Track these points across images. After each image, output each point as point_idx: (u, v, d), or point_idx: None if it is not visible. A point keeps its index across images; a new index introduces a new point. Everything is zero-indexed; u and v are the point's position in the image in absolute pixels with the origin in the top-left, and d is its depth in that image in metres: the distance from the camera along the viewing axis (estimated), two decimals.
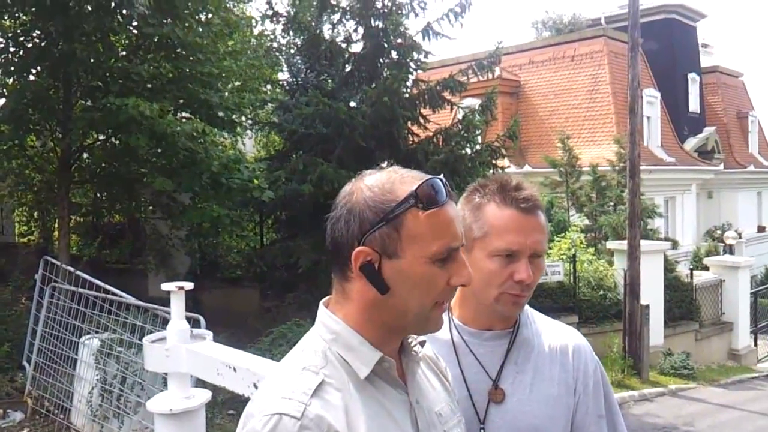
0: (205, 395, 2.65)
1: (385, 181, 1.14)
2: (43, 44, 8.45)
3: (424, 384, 1.27)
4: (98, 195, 11.63)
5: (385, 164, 1.20)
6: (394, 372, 1.18)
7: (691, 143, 24.68)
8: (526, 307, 1.65)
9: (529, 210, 1.52)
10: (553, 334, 1.64)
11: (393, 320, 1.15)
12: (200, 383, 3.00)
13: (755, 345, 15.98)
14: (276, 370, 1.18)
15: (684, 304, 14.15)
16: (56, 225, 10.80)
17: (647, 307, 11.85)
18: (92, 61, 8.24)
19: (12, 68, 8.52)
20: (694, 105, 26.05)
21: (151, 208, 11.19)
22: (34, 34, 8.55)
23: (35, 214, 13.03)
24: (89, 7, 7.93)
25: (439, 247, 1.11)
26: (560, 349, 1.61)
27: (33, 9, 8.06)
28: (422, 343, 1.29)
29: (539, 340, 1.61)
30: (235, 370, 2.27)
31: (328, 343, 1.15)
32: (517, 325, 1.61)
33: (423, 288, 1.12)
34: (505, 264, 1.50)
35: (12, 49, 8.50)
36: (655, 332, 12.67)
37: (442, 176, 1.16)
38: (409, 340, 1.24)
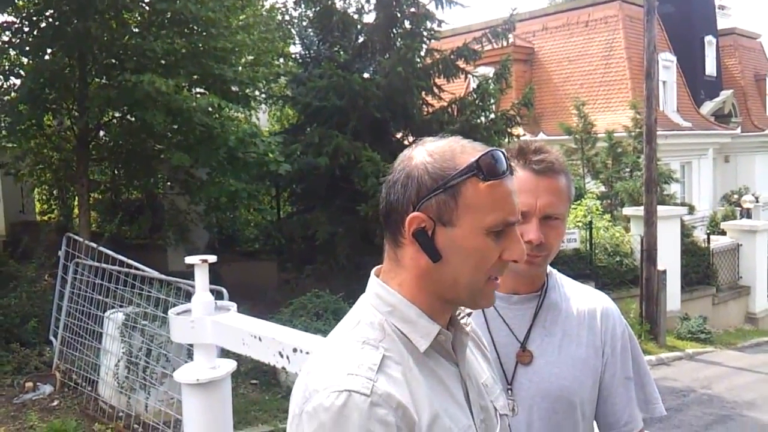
0: (231, 365, 2.67)
1: (445, 149, 1.12)
2: (57, 23, 8.45)
3: (470, 356, 1.27)
4: (116, 172, 11.72)
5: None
6: (449, 345, 1.17)
7: (708, 107, 24.34)
8: (554, 271, 1.68)
9: (541, 172, 1.54)
10: (581, 298, 1.67)
11: (445, 291, 1.14)
12: (224, 354, 3.06)
13: None
14: (331, 343, 1.15)
15: (701, 268, 14.14)
16: (76, 203, 10.92)
17: (664, 272, 11.84)
18: (106, 38, 8.27)
19: (27, 48, 8.56)
20: (710, 68, 25.62)
21: (168, 183, 11.27)
22: (48, 13, 8.54)
23: (55, 192, 13.16)
24: None
25: (495, 219, 1.10)
26: (588, 313, 1.64)
27: None
28: (469, 314, 1.28)
29: (567, 304, 1.64)
30: (260, 339, 2.27)
31: (385, 316, 1.14)
32: (545, 288, 1.64)
33: (475, 260, 1.11)
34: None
35: (27, 29, 8.53)
36: (672, 297, 12.68)
37: (503, 149, 1.14)
38: (457, 312, 1.23)
